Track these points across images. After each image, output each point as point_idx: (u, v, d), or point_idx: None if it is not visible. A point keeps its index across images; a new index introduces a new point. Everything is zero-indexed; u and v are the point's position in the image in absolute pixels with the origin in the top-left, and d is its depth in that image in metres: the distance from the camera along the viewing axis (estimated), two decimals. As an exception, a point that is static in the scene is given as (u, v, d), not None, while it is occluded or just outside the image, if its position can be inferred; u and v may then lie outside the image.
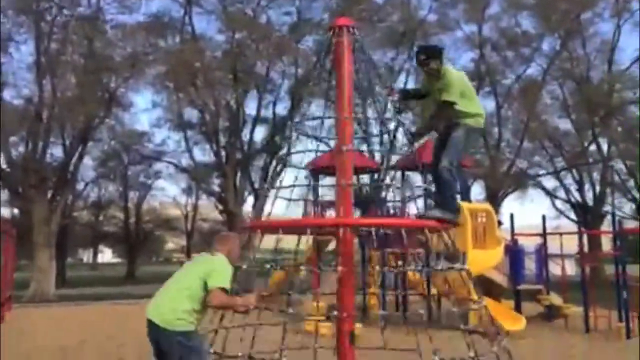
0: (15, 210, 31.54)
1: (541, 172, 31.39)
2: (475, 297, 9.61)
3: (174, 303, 4.08)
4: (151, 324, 4.13)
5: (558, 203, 31.95)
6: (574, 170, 30.24)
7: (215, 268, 4.09)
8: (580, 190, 30.49)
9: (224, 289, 3.96)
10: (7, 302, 13.75)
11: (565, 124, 30.01)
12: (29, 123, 20.78)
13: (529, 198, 33.43)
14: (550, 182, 31.68)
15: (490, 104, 29.80)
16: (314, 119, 5.23)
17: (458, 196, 4.89)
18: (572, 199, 30.97)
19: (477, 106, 4.98)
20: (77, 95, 20.35)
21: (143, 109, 48.44)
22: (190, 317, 4.03)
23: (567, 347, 9.02)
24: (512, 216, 12.37)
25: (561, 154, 29.96)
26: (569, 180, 30.99)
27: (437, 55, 4.87)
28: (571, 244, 13.82)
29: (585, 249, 20.60)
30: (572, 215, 31.52)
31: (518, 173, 29.66)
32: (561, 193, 31.49)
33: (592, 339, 9.94)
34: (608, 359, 8.04)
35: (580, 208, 30.40)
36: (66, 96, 20.65)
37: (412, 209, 11.87)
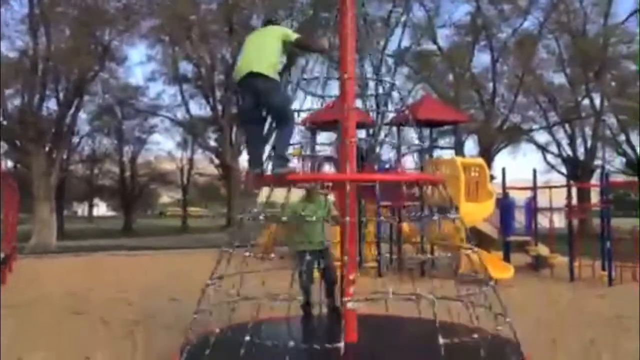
0: (9, 164, 31.52)
1: (534, 126, 31.73)
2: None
3: None
4: None
5: (549, 157, 32.43)
6: (566, 125, 30.53)
7: None
8: (572, 144, 30.85)
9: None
10: (13, 253, 14.13)
11: (560, 78, 30.20)
12: (24, 76, 20.68)
13: (521, 152, 33.93)
14: (542, 137, 32.10)
15: (486, 58, 29.90)
16: (315, 78, 5.40)
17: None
18: (564, 154, 31.38)
19: None
20: (71, 48, 20.20)
21: (137, 62, 47.81)
22: None
23: (551, 294, 9.53)
24: (504, 170, 12.73)
25: (554, 108, 30.17)
26: (561, 135, 31.35)
27: None
28: (561, 197, 14.25)
29: (575, 201, 21.24)
30: (563, 170, 32.02)
31: (511, 128, 29.96)
32: (553, 147, 31.94)
33: (575, 287, 10.45)
34: (588, 304, 8.51)
35: (571, 162, 30.83)
36: (60, 48, 20.48)
37: (408, 163, 12.22)
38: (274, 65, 4.58)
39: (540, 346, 5.70)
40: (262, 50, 4.58)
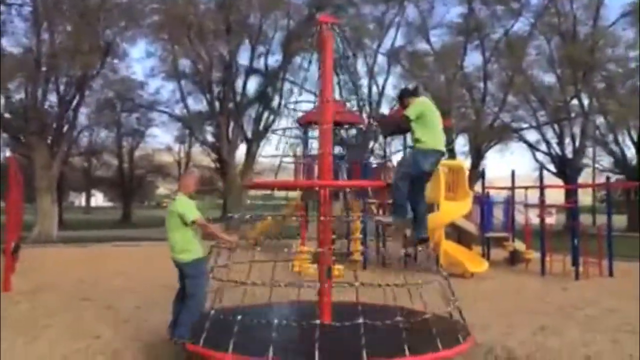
0: (8, 154, 31.95)
1: (524, 125, 32.48)
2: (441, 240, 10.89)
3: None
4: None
5: (539, 155, 33.10)
6: (555, 124, 31.24)
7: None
8: (561, 143, 31.56)
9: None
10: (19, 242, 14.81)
11: (550, 78, 30.91)
12: (27, 71, 21.27)
13: (510, 150, 34.73)
14: (532, 135, 32.80)
15: (478, 58, 30.63)
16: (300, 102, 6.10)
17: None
18: (553, 152, 32.07)
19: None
20: (74, 45, 20.78)
21: (138, 58, 48.61)
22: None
23: (520, 286, 10.32)
24: (483, 171, 13.52)
25: (544, 108, 30.88)
26: (550, 134, 32.06)
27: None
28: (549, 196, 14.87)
29: (562, 199, 22.02)
30: (552, 168, 32.69)
31: (502, 126, 30.70)
32: (543, 146, 32.63)
33: (545, 280, 11.23)
34: (551, 296, 9.28)
35: (559, 161, 31.50)
36: (63, 46, 21.08)
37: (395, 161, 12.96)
38: None
39: (497, 329, 6.49)
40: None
